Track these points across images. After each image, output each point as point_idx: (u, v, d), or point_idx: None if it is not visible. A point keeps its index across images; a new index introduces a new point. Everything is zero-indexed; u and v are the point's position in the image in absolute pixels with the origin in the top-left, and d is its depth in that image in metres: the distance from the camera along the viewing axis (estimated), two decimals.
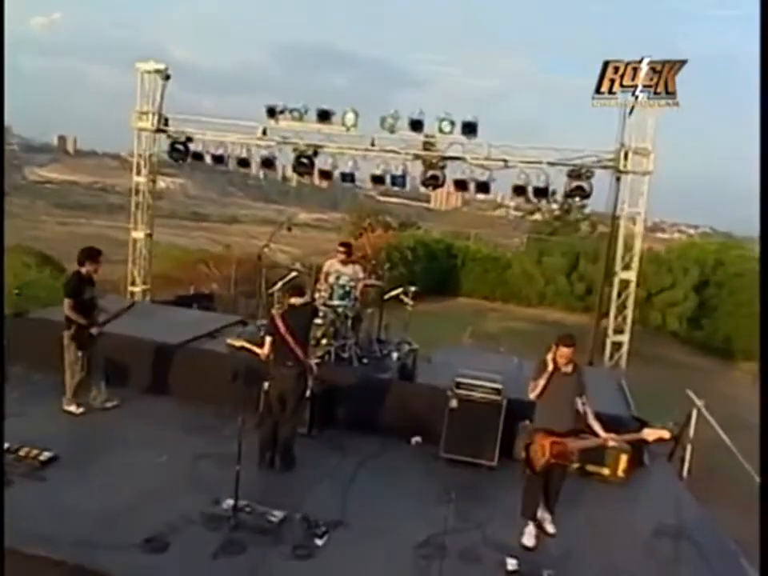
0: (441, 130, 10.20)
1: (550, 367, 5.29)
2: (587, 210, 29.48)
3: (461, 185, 10.37)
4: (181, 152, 10.94)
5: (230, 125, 10.91)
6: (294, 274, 8.52)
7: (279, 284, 8.48)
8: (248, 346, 6.10)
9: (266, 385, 6.12)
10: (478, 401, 6.75)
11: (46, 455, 5.81)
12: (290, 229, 9.05)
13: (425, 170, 10.39)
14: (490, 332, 18.12)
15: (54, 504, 5.12)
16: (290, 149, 10.74)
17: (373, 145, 10.53)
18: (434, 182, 10.36)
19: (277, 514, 5.24)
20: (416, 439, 7.30)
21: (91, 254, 7.04)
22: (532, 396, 5.42)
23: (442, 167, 10.37)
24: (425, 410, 7.32)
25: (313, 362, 6.25)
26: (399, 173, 10.37)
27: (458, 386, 6.85)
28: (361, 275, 8.83)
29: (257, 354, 6.19)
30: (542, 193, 10.28)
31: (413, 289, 8.99)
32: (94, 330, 6.94)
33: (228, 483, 5.29)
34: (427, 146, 10.39)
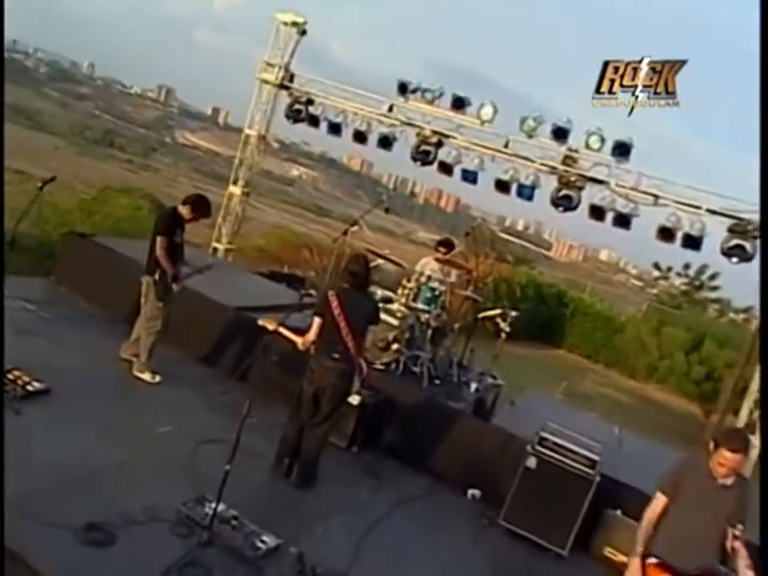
0: (588, 146, 8.73)
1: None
2: (719, 293, 26.72)
3: (597, 212, 8.80)
4: (299, 113, 10.07)
5: (355, 94, 9.89)
6: (379, 261, 7.30)
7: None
8: (282, 330, 4.91)
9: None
10: (563, 467, 5.19)
11: (35, 386, 4.88)
12: (387, 210, 7.86)
13: (559, 186, 8.92)
14: (586, 394, 16.19)
15: (10, 444, 4.11)
16: (413, 132, 9.58)
17: (506, 146, 9.19)
18: (565, 203, 8.86)
19: (267, 541, 3.97)
20: (473, 492, 5.83)
21: (200, 204, 6.00)
22: (656, 506, 3.77)
23: (580, 188, 8.85)
24: (494, 459, 5.84)
25: (364, 364, 4.94)
26: (528, 183, 8.94)
27: (542, 442, 5.33)
28: (456, 282, 7.50)
29: (292, 342, 4.97)
30: (692, 242, 8.52)
31: (513, 314, 7.54)
32: (175, 286, 5.86)
33: (230, 482, 4.15)
34: (568, 160, 8.92)
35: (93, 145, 60.48)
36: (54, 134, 57.18)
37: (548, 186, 8.99)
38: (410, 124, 9.65)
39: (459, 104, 9.25)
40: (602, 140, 8.56)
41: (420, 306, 6.98)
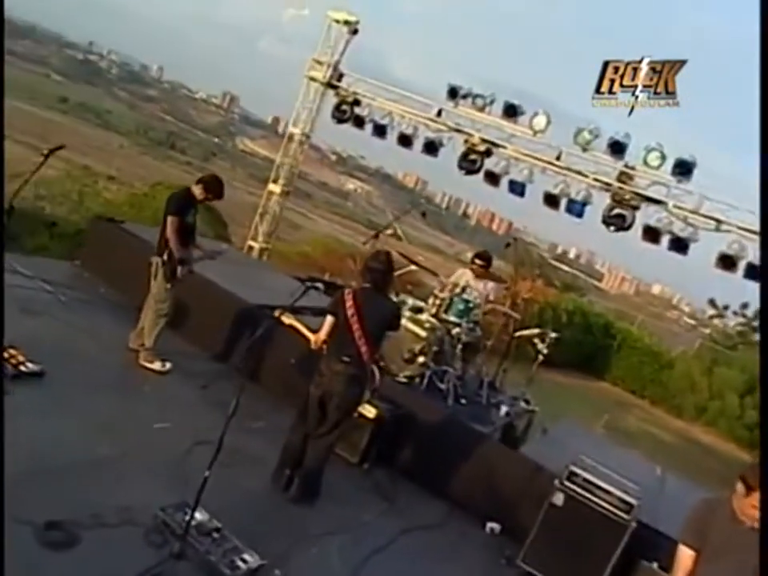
0: (646, 162, 8.16)
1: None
2: None
3: (651, 234, 8.19)
4: (345, 113, 9.77)
5: (403, 96, 9.54)
6: (412, 267, 6.86)
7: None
8: (298, 325, 4.52)
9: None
10: (593, 508, 4.62)
11: (29, 367, 4.60)
12: (424, 214, 7.43)
13: (612, 204, 8.35)
14: (628, 430, 15.34)
15: None
16: (461, 139, 9.16)
17: (558, 159, 8.67)
18: (618, 222, 8.27)
19: (249, 560, 3.54)
20: (492, 525, 5.29)
21: (213, 184, 5.69)
22: (684, 562, 3.21)
23: (635, 207, 8.27)
24: (518, 491, 5.30)
25: (377, 372, 4.50)
26: (579, 199, 8.40)
27: (572, 477, 4.77)
28: (492, 297, 7.00)
29: (307, 340, 4.56)
30: (756, 273, 7.81)
31: (552, 335, 6.97)
32: (181, 271, 5.53)
33: (222, 489, 3.79)
34: (624, 177, 8.35)
35: (155, 145, 62.08)
36: (120, 133, 58.95)
37: (600, 203, 8.42)
38: (458, 130, 9.25)
39: (511, 112, 8.81)
40: (663, 157, 7.98)
41: (451, 318, 6.50)
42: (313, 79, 10.13)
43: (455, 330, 6.56)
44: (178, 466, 4.32)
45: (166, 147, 64.46)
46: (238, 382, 3.76)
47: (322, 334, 4.45)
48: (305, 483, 4.47)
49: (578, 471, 4.79)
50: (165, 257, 5.46)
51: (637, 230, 8.41)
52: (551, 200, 8.54)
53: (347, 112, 9.80)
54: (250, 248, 10.83)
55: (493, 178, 8.94)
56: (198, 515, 3.69)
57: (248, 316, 6.50)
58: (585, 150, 8.39)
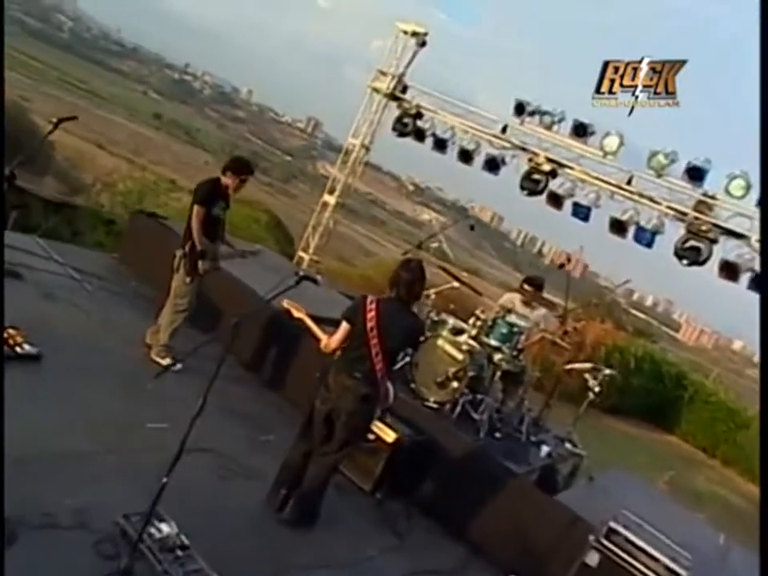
0: (728, 192, 7.35)
1: None
2: None
3: (730, 271, 7.36)
4: (406, 126, 9.41)
5: (468, 111, 9.11)
6: (454, 284, 6.33)
7: (431, 291, 6.34)
8: (309, 321, 4.08)
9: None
10: (633, 574, 3.92)
11: (25, 348, 4.35)
12: (472, 228, 6.91)
13: (686, 236, 7.57)
14: (695, 490, 14.05)
15: None
16: (525, 157, 8.60)
17: (629, 183, 7.98)
18: (692, 256, 7.49)
19: None
20: None
21: (241, 166, 5.43)
22: None
23: (713, 240, 7.45)
24: (548, 543, 4.64)
25: (392, 389, 3.98)
26: (649, 227, 7.66)
27: (611, 535, 4.09)
28: (543, 325, 6.37)
29: (317, 339, 4.11)
30: None
31: (607, 372, 6.26)
32: (202, 265, 5.22)
33: (208, 505, 3.47)
34: (702, 206, 7.56)
35: None
36: (207, 151, 61.21)
37: (673, 233, 7.65)
38: (522, 148, 8.69)
39: (581, 131, 8.20)
40: (747, 186, 7.16)
41: (492, 341, 5.92)
42: (376, 90, 9.85)
43: (497, 357, 5.97)
44: (161, 471, 3.91)
45: None
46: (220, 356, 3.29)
47: (334, 341, 3.99)
48: (301, 505, 3.99)
49: (619, 529, 4.11)
50: (186, 249, 5.17)
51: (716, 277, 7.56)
52: (618, 226, 7.84)
53: (409, 125, 9.43)
54: (301, 259, 10.54)
55: (556, 200, 8.32)
56: (165, 528, 3.28)
57: (277, 324, 6.13)
58: (659, 175, 7.67)
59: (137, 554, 2.96)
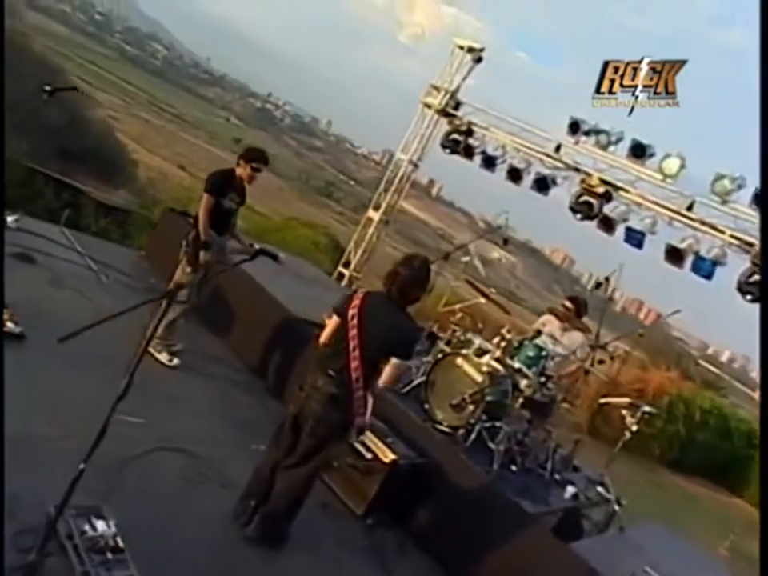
0: None
1: None
2: None
3: None
4: (456, 143, 9.06)
5: (522, 129, 8.68)
6: (480, 300, 5.86)
7: (458, 306, 5.89)
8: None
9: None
10: None
11: (8, 327, 4.17)
12: (506, 242, 6.44)
13: (752, 268, 6.83)
14: (755, 557, 12.67)
15: None
16: (578, 178, 8.08)
17: (690, 209, 7.32)
18: (757, 291, 6.73)
19: None
20: None
21: (258, 156, 5.19)
22: None
23: None
24: None
25: (371, 400, 3.47)
26: (710, 257, 6.97)
27: None
28: (579, 352, 5.80)
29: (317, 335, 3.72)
30: None
31: (647, 409, 5.60)
32: (204, 256, 4.96)
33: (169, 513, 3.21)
34: None
35: (313, 193, 65.43)
36: (282, 177, 62.84)
37: (737, 265, 6.93)
38: (576, 169, 8.17)
39: (639, 152, 7.63)
40: None
41: (516, 364, 5.39)
42: (427, 105, 9.56)
43: (523, 383, 5.43)
44: (122, 467, 3.61)
45: (323, 195, 67.74)
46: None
47: (323, 336, 3.61)
48: (264, 522, 3.57)
49: None
50: (190, 238, 4.95)
51: None
52: (675, 255, 7.17)
53: (459, 143, 9.07)
54: (341, 275, 10.26)
55: (608, 224, 7.73)
56: (101, 526, 2.95)
57: (289, 329, 5.82)
58: (724, 201, 6.99)
59: (49, 549, 2.62)
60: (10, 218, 5.85)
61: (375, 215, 10.11)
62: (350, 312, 3.42)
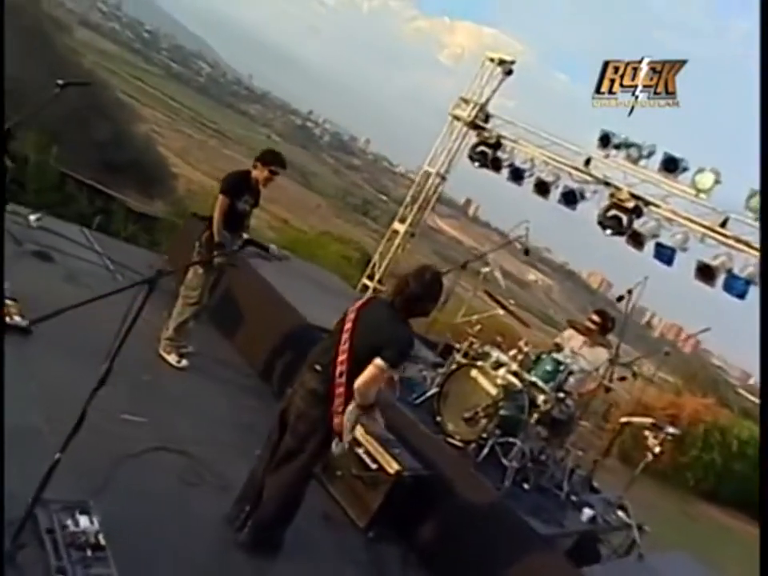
0: None
1: None
2: None
3: None
4: (484, 155, 8.94)
5: (552, 142, 8.52)
6: (498, 311, 5.69)
7: (475, 317, 5.73)
8: None
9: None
10: None
11: (15, 320, 4.19)
12: (527, 252, 6.25)
13: None
14: None
15: None
16: (607, 192, 7.87)
17: (723, 225, 7.05)
18: None
19: None
20: None
21: (272, 157, 5.13)
22: None
23: None
24: None
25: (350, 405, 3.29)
26: (743, 276, 6.68)
27: None
28: (602, 369, 5.56)
29: None
30: None
31: (670, 430, 5.33)
32: (221, 258, 4.97)
33: (168, 506, 3.25)
34: None
35: (350, 210, 65.87)
36: (320, 195, 63.42)
37: None
38: (605, 183, 7.96)
39: (672, 167, 7.39)
40: None
41: (533, 378, 5.19)
42: (456, 118, 9.46)
43: (540, 398, 5.22)
44: (119, 465, 3.54)
45: (360, 213, 68.13)
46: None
47: None
48: (256, 528, 3.45)
49: None
50: (203, 238, 4.93)
51: None
52: (706, 273, 6.89)
53: (487, 155, 8.95)
54: (365, 287, 10.18)
55: (637, 240, 7.49)
56: (85, 522, 2.87)
57: (302, 335, 5.73)
58: (758, 217, 6.71)
59: (22, 541, 2.55)
60: (32, 217, 5.93)
61: (401, 227, 10.02)
62: (350, 309, 3.35)
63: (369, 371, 3.13)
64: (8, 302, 4.24)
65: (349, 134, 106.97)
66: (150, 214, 11.61)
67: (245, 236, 4.89)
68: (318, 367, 3.30)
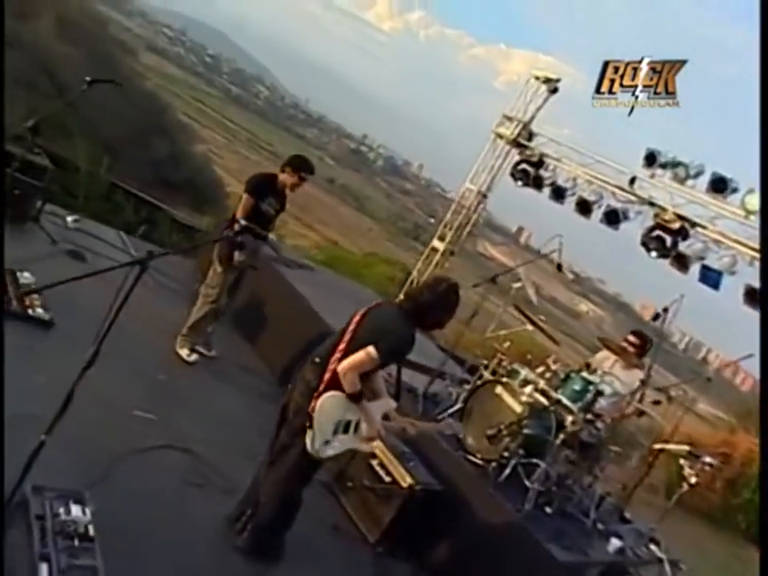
0: None
1: None
2: None
3: None
4: (526, 173, 8.79)
5: (595, 160, 8.32)
6: (527, 327, 5.49)
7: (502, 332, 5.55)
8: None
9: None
10: None
11: (38, 312, 4.25)
12: (560, 268, 6.05)
13: None
14: None
15: None
16: (652, 212, 7.60)
17: None
18: None
19: None
20: None
21: (302, 163, 5.13)
22: None
23: None
24: None
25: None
26: None
27: None
28: (639, 394, 5.29)
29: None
30: None
31: (708, 460, 5.00)
32: (238, 256, 4.91)
33: (169, 505, 3.22)
34: None
35: (402, 235, 66.08)
36: (372, 218, 63.92)
37: None
38: (650, 203, 7.69)
39: (721, 187, 7.09)
40: None
41: (560, 397, 4.97)
42: (500, 136, 9.35)
43: (569, 419, 4.98)
44: (122, 460, 3.51)
45: (411, 238, 68.25)
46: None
47: None
48: (255, 532, 3.35)
49: None
50: (227, 234, 4.93)
51: None
52: (752, 296, 6.53)
53: (529, 174, 8.79)
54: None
55: (682, 262, 7.18)
56: (76, 512, 2.83)
57: (315, 342, 5.65)
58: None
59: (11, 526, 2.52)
60: (69, 218, 6.08)
61: (440, 245, 9.92)
62: (359, 311, 3.29)
63: (356, 354, 3.07)
64: (32, 294, 4.31)
65: (402, 158, 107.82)
66: (195, 226, 11.80)
67: (243, 223, 4.64)
68: (317, 359, 3.24)
